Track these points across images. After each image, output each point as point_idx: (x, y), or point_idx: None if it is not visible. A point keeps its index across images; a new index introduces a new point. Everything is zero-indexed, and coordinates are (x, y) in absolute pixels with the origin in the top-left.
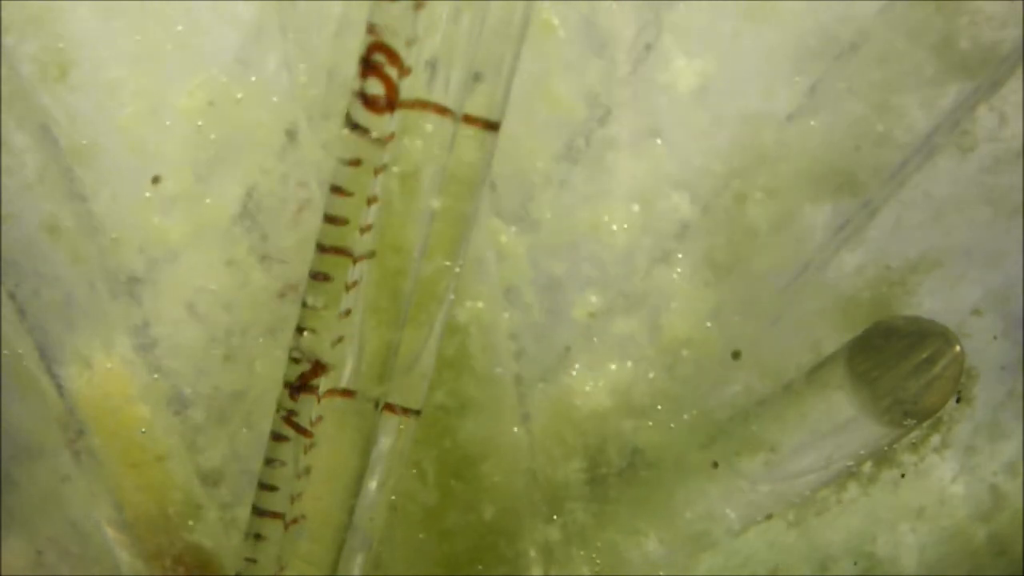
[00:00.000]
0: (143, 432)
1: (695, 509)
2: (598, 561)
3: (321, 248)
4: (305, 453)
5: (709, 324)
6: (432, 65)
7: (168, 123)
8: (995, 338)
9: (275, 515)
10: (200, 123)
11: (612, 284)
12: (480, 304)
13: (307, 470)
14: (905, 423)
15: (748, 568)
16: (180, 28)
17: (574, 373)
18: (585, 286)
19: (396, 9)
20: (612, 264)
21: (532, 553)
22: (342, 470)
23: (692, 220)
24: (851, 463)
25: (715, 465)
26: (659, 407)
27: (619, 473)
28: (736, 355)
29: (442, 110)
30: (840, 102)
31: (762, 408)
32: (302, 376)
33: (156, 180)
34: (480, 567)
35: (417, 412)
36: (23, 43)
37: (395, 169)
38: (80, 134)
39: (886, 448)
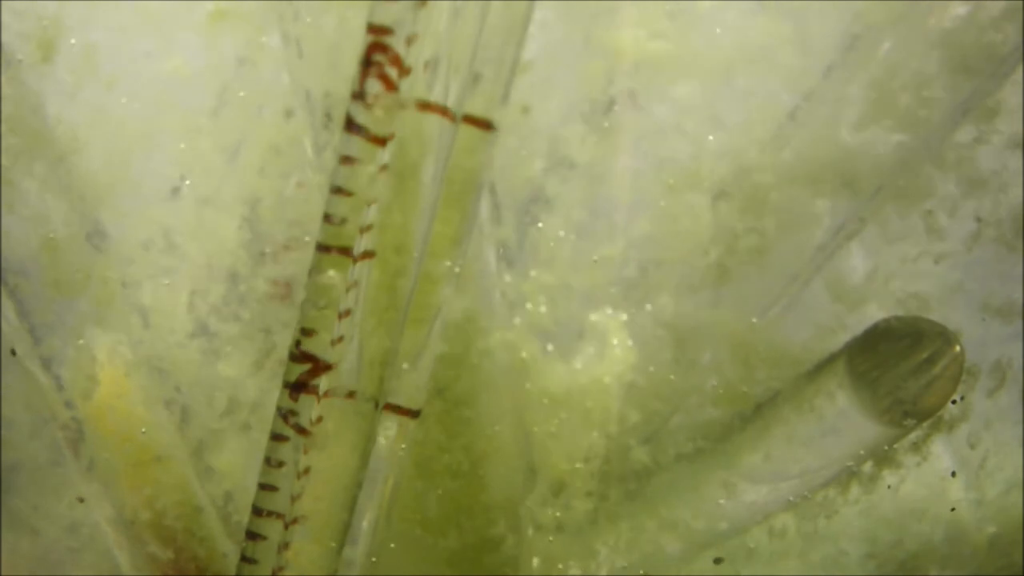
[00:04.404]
0: (143, 432)
1: (696, 508)
2: (598, 561)
3: (321, 248)
4: (305, 453)
5: (711, 324)
6: (432, 65)
7: (167, 123)
8: (995, 337)
9: (275, 515)
10: (199, 123)
11: (612, 283)
12: (480, 304)
13: (307, 470)
14: (905, 423)
15: (751, 568)
16: (180, 27)
17: (574, 372)
18: (585, 285)
19: (396, 9)
20: (613, 264)
21: (532, 552)
22: (342, 470)
23: (692, 219)
24: (851, 463)
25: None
26: (660, 406)
27: (619, 473)
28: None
29: (442, 110)
30: (841, 101)
31: (762, 407)
32: (302, 376)
33: (156, 181)
34: (480, 567)
35: (417, 412)
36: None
37: (395, 169)
38: (79, 134)
39: (886, 448)
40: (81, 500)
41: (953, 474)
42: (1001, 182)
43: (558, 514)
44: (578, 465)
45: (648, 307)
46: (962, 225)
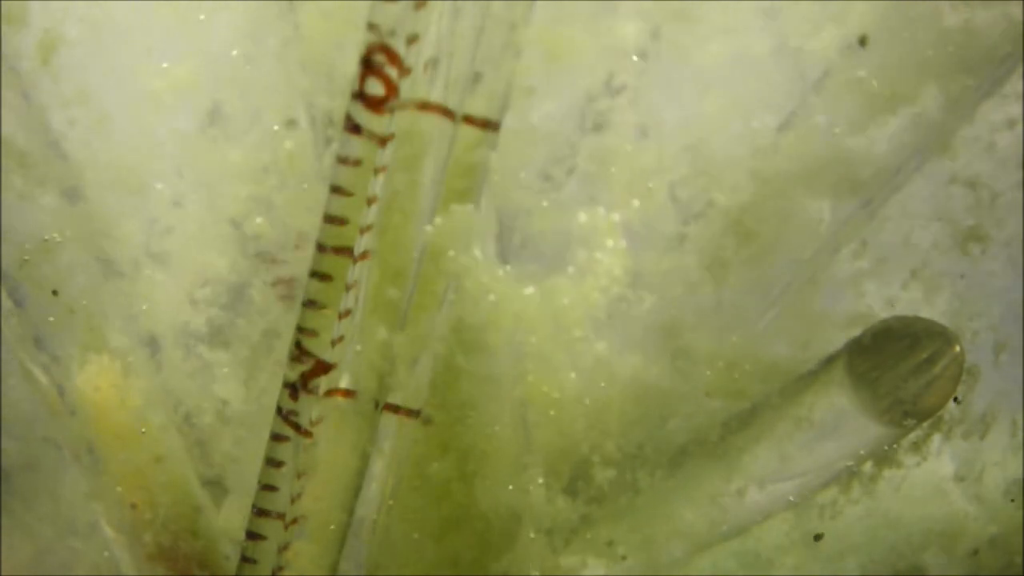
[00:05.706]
0: (143, 432)
1: (696, 508)
2: (597, 561)
3: (321, 248)
4: (305, 453)
5: (710, 324)
6: (432, 65)
7: (167, 122)
8: (995, 337)
9: (275, 515)
10: (200, 123)
11: (612, 285)
12: (479, 304)
13: (307, 470)
14: (905, 423)
15: (752, 569)
16: (179, 27)
17: (575, 371)
18: (584, 287)
19: (396, 9)
20: (612, 265)
21: (531, 553)
22: (342, 470)
23: (691, 220)
24: (851, 463)
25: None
26: (659, 406)
27: (619, 473)
28: None
29: (442, 110)
30: (840, 100)
31: (762, 408)
32: (302, 376)
33: (155, 184)
34: (479, 567)
35: (417, 412)
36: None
37: (395, 169)
38: (78, 133)
39: (886, 448)
40: (82, 500)
41: (953, 474)
42: (1000, 182)
43: (557, 515)
44: (578, 466)
45: (646, 311)
46: (953, 236)
